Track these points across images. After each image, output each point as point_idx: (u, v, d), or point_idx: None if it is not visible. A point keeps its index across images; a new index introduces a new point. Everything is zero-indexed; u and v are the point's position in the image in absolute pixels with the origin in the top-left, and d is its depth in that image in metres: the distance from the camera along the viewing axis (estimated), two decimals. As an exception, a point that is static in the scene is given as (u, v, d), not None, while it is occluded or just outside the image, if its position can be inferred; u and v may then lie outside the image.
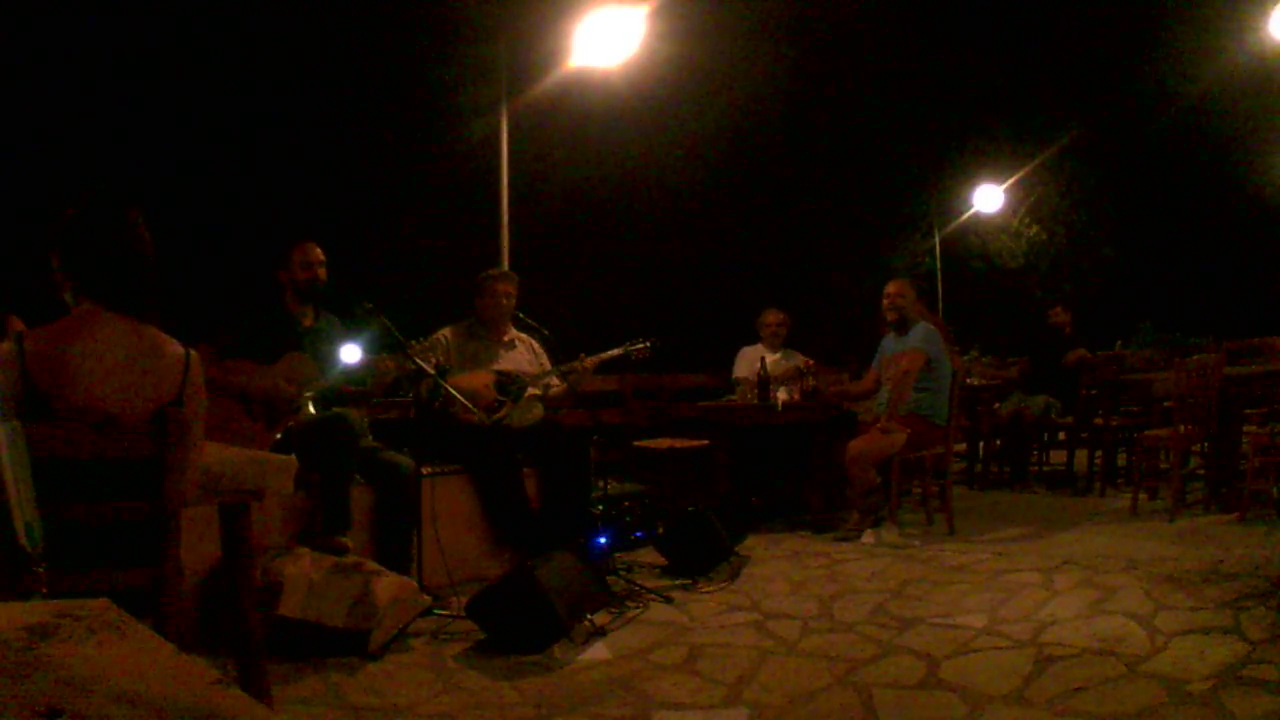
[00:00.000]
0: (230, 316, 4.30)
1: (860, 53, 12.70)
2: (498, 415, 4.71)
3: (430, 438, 4.48)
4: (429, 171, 9.82)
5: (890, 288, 5.84)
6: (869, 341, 6.59)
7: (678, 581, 4.49)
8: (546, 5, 6.27)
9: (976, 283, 15.06)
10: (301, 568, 3.49)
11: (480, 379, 4.79)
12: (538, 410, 4.99)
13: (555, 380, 5.06)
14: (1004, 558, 4.66)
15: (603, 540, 4.47)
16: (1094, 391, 7.09)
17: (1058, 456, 7.63)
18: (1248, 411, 6.11)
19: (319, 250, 4.40)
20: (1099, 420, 6.77)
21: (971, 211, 13.61)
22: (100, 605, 1.07)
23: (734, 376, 6.71)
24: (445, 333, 4.98)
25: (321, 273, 4.37)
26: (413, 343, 4.28)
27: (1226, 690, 2.78)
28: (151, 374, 2.24)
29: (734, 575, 4.61)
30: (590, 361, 4.96)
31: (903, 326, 5.73)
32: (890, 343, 5.80)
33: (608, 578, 4.28)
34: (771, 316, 6.66)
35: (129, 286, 2.28)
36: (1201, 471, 6.02)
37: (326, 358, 4.27)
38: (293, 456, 2.70)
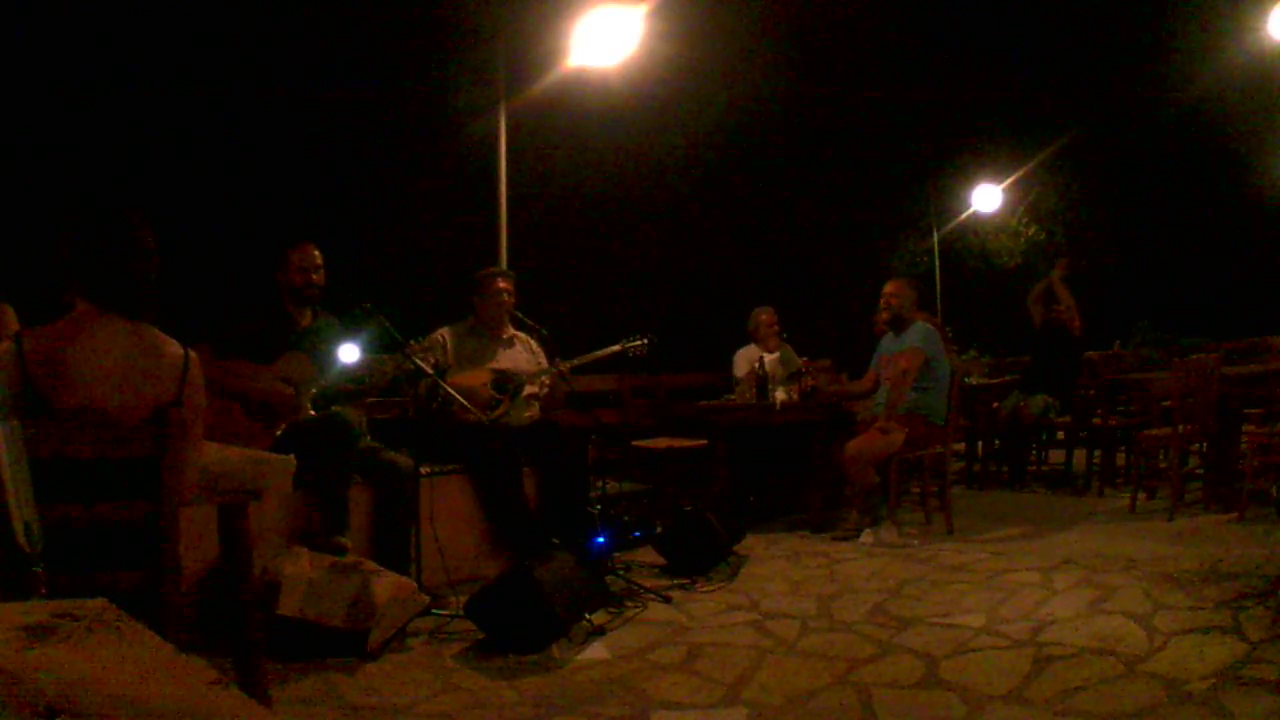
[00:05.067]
0: (229, 315, 4.30)
1: (859, 52, 12.70)
2: (495, 414, 4.71)
3: (429, 437, 4.48)
4: (428, 171, 9.81)
5: (887, 287, 5.84)
6: (868, 341, 6.59)
7: (676, 581, 4.49)
8: (545, 5, 6.27)
9: (975, 282, 15.06)
10: (300, 567, 3.49)
11: (478, 377, 4.79)
12: (536, 408, 5.00)
13: (548, 378, 5.07)
14: (1003, 557, 4.67)
15: (601, 540, 4.47)
16: (1092, 391, 7.09)
17: (1056, 456, 7.63)
18: (1246, 411, 6.12)
19: (317, 253, 4.38)
20: (1098, 420, 6.78)
21: (970, 211, 13.61)
22: (99, 605, 1.06)
23: (735, 375, 6.69)
24: (444, 332, 4.98)
25: (316, 277, 4.35)
26: (412, 342, 4.28)
27: (1226, 690, 2.78)
28: (150, 374, 2.24)
29: (733, 575, 4.61)
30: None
31: (899, 326, 5.73)
32: (889, 342, 5.80)
33: (606, 577, 4.28)
34: (764, 315, 6.63)
35: (129, 290, 2.28)
36: (1200, 471, 6.02)
37: (325, 357, 4.26)
38: (291, 456, 2.70)
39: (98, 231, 2.30)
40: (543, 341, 5.20)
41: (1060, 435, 7.60)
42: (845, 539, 5.32)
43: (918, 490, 5.90)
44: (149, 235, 2.34)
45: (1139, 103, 14.00)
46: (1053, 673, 3.05)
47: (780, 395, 5.82)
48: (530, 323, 5.13)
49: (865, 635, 3.58)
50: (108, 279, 2.26)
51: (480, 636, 3.59)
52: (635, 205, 11.66)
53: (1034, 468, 7.45)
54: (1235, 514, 5.21)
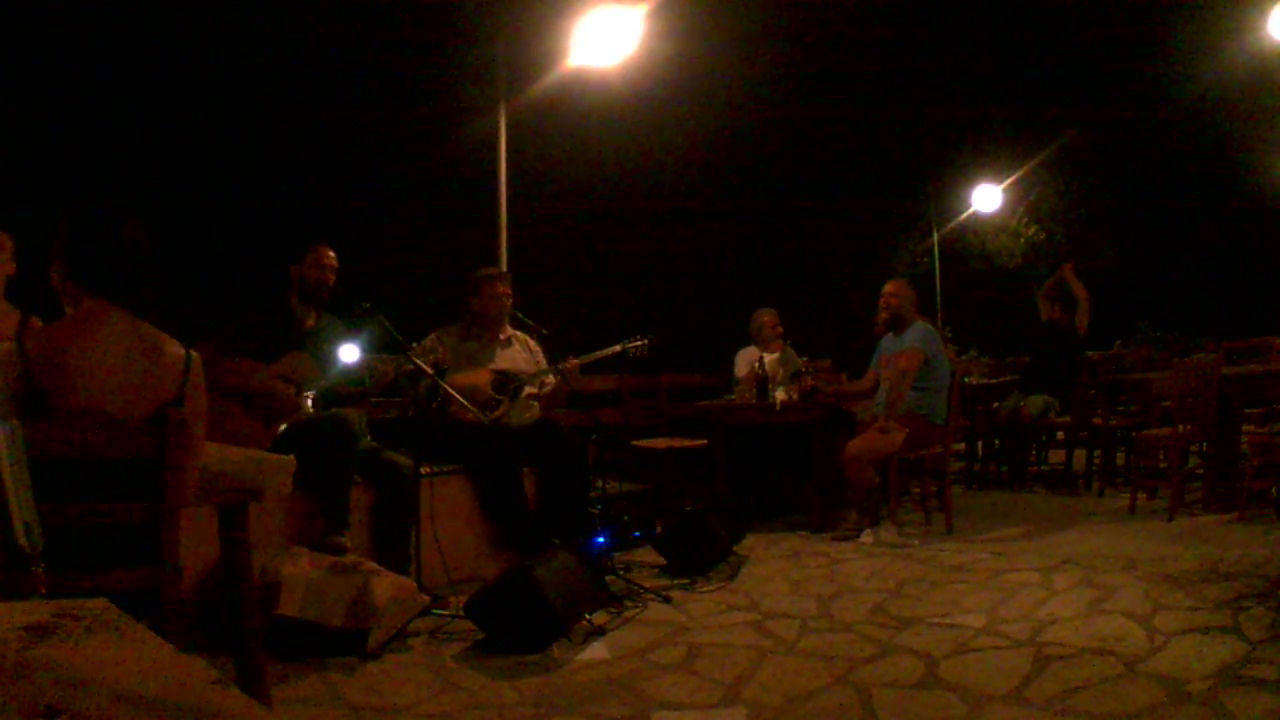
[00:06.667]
0: (234, 313, 4.31)
1: (859, 52, 12.70)
2: (495, 414, 4.71)
3: (429, 437, 4.48)
4: (428, 171, 9.82)
5: (887, 287, 5.84)
6: (868, 341, 6.59)
7: (676, 581, 4.49)
8: (545, 5, 6.27)
9: (975, 282, 15.06)
10: (300, 567, 3.49)
11: (478, 378, 4.79)
12: (535, 409, 5.00)
13: (549, 379, 5.07)
14: (1003, 557, 4.67)
15: (601, 540, 4.47)
16: (1093, 391, 7.09)
17: (1056, 456, 7.63)
18: (1246, 411, 6.12)
19: (333, 254, 4.43)
20: (1098, 420, 6.78)
21: (970, 211, 13.61)
22: (99, 605, 1.07)
23: (735, 375, 6.69)
24: (442, 333, 4.98)
25: (331, 277, 4.40)
26: (413, 345, 4.29)
27: (1226, 690, 2.78)
28: (151, 374, 2.24)
29: (732, 575, 4.61)
30: (575, 362, 4.97)
31: (899, 326, 5.73)
32: (889, 342, 5.80)
33: (606, 577, 4.28)
34: (768, 317, 6.63)
35: (130, 280, 2.29)
36: (1200, 471, 6.02)
37: (326, 358, 4.27)
38: (292, 456, 2.70)
39: (98, 227, 2.30)
40: (542, 341, 5.20)
41: (1060, 435, 7.60)
42: (845, 539, 5.32)
43: (918, 490, 5.90)
44: (140, 231, 2.34)
45: (1139, 103, 14.00)
46: (1053, 673, 3.05)
47: (780, 395, 5.82)
48: (530, 323, 5.13)
49: (865, 635, 3.58)
50: (109, 272, 2.26)
51: (480, 636, 3.59)
52: (635, 205, 11.67)
53: (1034, 468, 7.45)
54: (1235, 514, 5.21)
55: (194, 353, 2.34)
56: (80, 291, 2.26)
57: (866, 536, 5.26)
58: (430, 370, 4.20)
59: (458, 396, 4.29)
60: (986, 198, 13.16)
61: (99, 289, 2.25)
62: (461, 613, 3.67)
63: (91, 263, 2.27)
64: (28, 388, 2.09)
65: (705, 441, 6.00)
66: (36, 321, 3.71)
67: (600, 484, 4.92)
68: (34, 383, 2.10)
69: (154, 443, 2.13)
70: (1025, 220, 14.93)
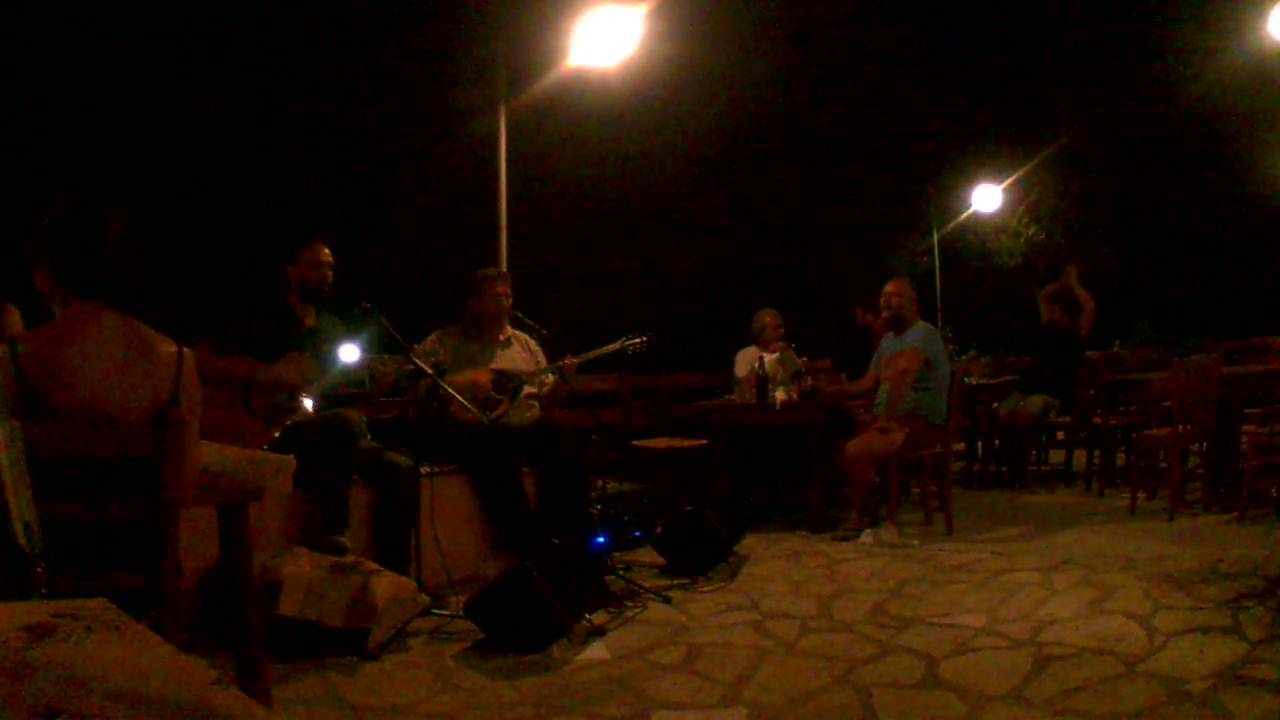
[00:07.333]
0: (234, 312, 4.31)
1: (859, 53, 12.70)
2: (495, 414, 4.71)
3: (429, 437, 4.48)
4: (428, 172, 9.82)
5: (888, 286, 5.84)
6: (868, 341, 6.59)
7: (676, 581, 4.49)
8: (545, 5, 6.27)
9: (975, 282, 15.08)
10: (300, 567, 3.49)
11: (477, 378, 4.79)
12: (535, 408, 5.00)
13: (549, 378, 5.08)
14: (1003, 557, 4.66)
15: (601, 540, 4.47)
16: (1093, 391, 7.09)
17: (1056, 456, 7.63)
18: (1246, 411, 6.12)
19: (328, 251, 4.42)
20: (1098, 420, 6.78)
21: (970, 211, 13.62)
22: (99, 605, 1.07)
23: (735, 375, 6.69)
24: (443, 334, 4.98)
25: (330, 274, 4.40)
26: (414, 345, 4.29)
27: (1225, 690, 2.78)
28: (146, 373, 2.24)
29: (732, 575, 4.61)
30: (573, 360, 4.97)
31: (899, 326, 5.73)
32: (889, 342, 5.80)
33: (606, 577, 4.28)
34: (769, 318, 6.62)
35: (118, 280, 2.28)
36: (1200, 471, 6.02)
37: (326, 358, 4.27)
38: (291, 456, 2.70)
39: (81, 225, 2.29)
40: (542, 341, 5.20)
41: (1060, 435, 7.60)
42: (845, 539, 5.31)
43: (918, 490, 5.90)
44: (124, 230, 2.33)
45: (1139, 103, 14.01)
46: (1052, 673, 3.05)
47: (780, 395, 5.82)
48: (530, 323, 5.13)
49: (865, 635, 3.58)
50: (96, 270, 2.25)
51: (480, 636, 3.59)
52: (635, 205, 11.68)
53: (1034, 468, 7.44)
54: (1235, 514, 5.21)
55: (186, 350, 2.33)
56: (68, 294, 2.26)
57: (866, 536, 5.26)
58: (430, 370, 4.20)
59: (457, 396, 4.29)
60: (986, 198, 13.17)
61: (87, 291, 2.25)
62: (461, 613, 3.67)
63: (77, 266, 2.26)
64: (22, 389, 2.09)
65: (705, 441, 5.99)
66: (13, 310, 3.71)
67: (600, 484, 4.91)
68: (28, 384, 2.10)
69: (152, 442, 2.13)
70: (1025, 220, 14.93)
